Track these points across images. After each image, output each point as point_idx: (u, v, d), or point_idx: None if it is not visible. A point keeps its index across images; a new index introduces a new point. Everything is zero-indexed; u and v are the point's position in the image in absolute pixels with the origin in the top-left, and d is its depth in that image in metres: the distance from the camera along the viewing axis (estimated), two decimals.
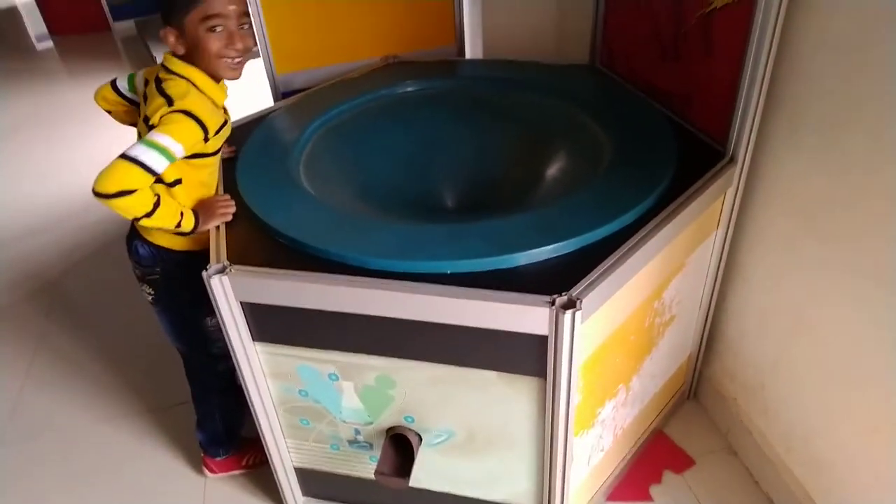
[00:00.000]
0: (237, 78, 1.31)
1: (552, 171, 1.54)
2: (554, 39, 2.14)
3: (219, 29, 1.22)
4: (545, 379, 1.10)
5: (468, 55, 2.11)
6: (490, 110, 1.74)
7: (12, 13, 6.30)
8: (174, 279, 1.42)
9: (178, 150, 1.19)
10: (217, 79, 1.29)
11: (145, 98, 1.28)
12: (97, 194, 1.14)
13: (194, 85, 1.26)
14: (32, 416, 1.92)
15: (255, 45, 1.33)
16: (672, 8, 1.45)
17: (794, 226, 1.32)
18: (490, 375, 1.14)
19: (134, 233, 1.40)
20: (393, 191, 1.53)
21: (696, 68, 1.42)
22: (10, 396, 1.98)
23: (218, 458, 1.69)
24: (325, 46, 1.96)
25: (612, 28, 1.76)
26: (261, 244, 1.22)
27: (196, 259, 1.33)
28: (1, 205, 3.05)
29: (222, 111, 1.33)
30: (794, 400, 1.41)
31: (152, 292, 1.45)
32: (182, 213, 1.27)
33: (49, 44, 5.38)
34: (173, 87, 1.24)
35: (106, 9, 5.19)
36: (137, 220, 1.22)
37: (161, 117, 1.20)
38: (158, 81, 1.26)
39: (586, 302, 1.01)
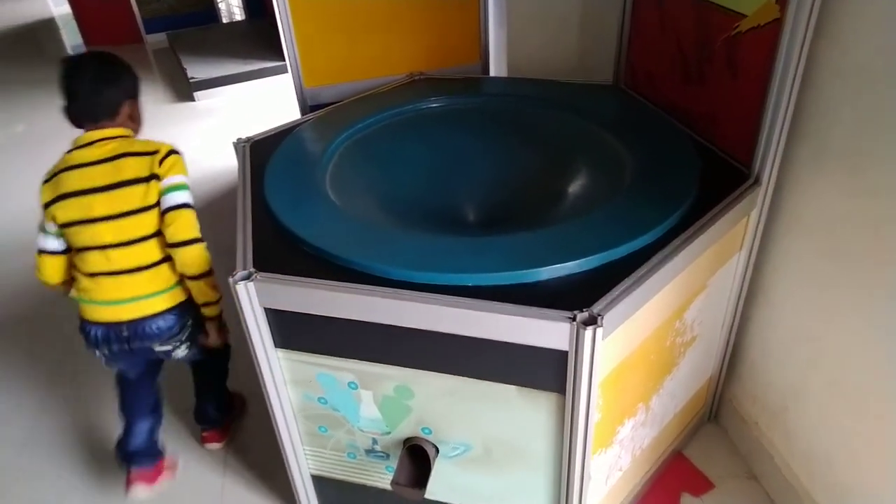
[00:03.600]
0: None
1: (574, 188, 1.55)
2: (577, 59, 2.16)
3: None
4: (564, 395, 1.10)
5: (492, 73, 2.14)
6: (513, 127, 1.76)
7: (50, 24, 6.49)
8: (197, 315, 1.49)
9: (187, 182, 1.41)
10: None
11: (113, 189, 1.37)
12: (181, 244, 1.37)
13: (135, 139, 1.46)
14: (60, 415, 1.95)
15: None
16: (697, 30, 1.46)
17: (818, 249, 1.32)
18: (509, 390, 1.14)
19: (140, 322, 1.40)
20: (416, 204, 1.55)
21: (720, 90, 1.43)
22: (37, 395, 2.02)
23: (220, 427, 1.77)
24: (353, 62, 2.00)
25: (636, 49, 1.77)
26: (285, 252, 1.24)
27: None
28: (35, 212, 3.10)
29: None
30: (818, 424, 1.39)
31: (188, 344, 1.52)
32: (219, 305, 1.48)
33: None
34: (131, 145, 1.40)
35: (139, 21, 5.32)
36: (203, 276, 1.40)
37: (162, 164, 1.37)
38: (93, 161, 1.37)
39: (608, 319, 1.02)
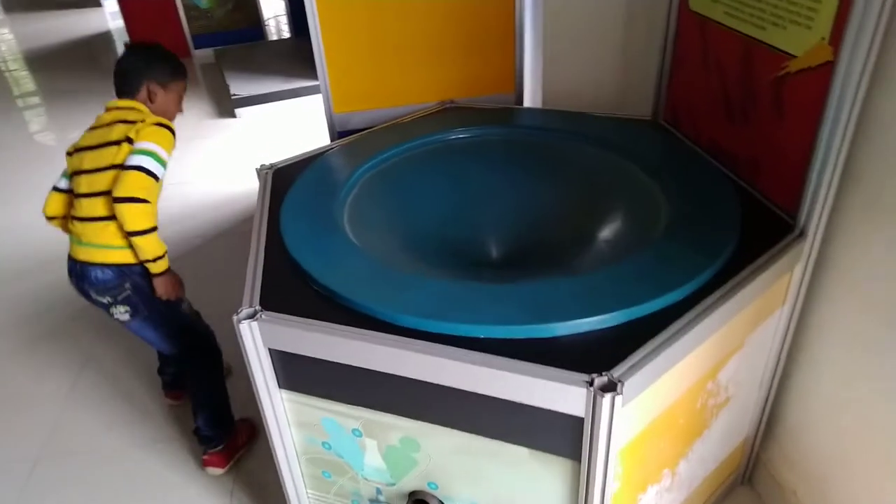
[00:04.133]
0: None
1: (604, 231, 1.46)
2: (616, 92, 2.08)
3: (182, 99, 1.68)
4: (580, 462, 1.01)
5: (526, 103, 2.07)
6: (544, 162, 1.68)
7: (106, 37, 6.72)
8: (142, 287, 1.56)
9: (164, 154, 1.48)
10: None
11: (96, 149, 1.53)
12: (118, 199, 1.42)
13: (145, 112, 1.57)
14: (70, 435, 1.94)
15: None
16: (742, 68, 1.37)
17: (868, 308, 1.20)
18: (521, 451, 1.06)
19: (86, 266, 1.53)
20: (435, 239, 1.49)
21: (766, 132, 1.33)
22: (51, 415, 2.02)
23: (219, 449, 1.74)
24: (384, 88, 1.97)
25: (677, 84, 1.69)
26: (294, 289, 1.19)
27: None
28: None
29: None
30: (862, 499, 1.27)
31: (128, 309, 1.58)
32: (164, 252, 1.53)
33: None
34: (128, 114, 1.54)
35: (188, 37, 5.43)
36: (137, 233, 1.45)
37: (139, 131, 1.47)
38: (101, 124, 1.55)
39: (629, 384, 0.93)
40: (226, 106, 4.45)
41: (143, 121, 1.50)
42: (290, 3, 5.55)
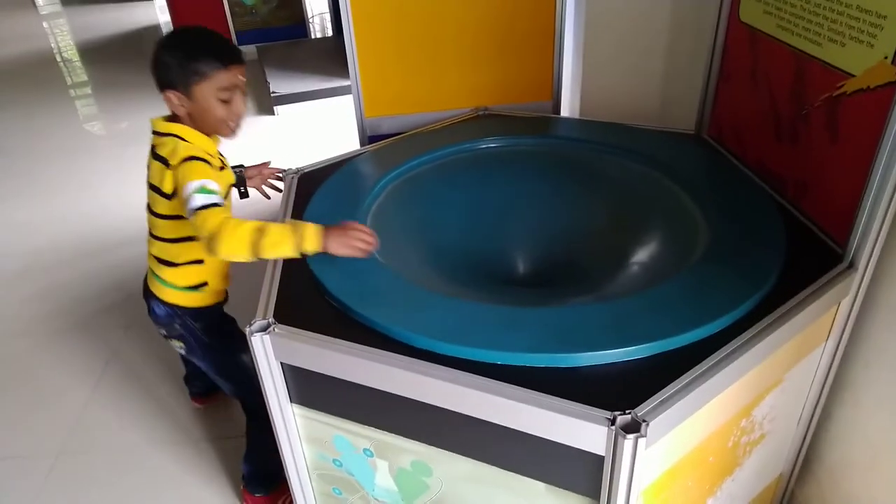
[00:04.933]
0: (233, 138, 1.40)
1: (639, 252, 1.39)
2: (658, 103, 1.99)
3: (228, 97, 1.32)
4: (598, 500, 0.95)
5: (564, 113, 2.00)
6: (579, 175, 1.62)
7: (155, 31, 6.85)
8: (195, 330, 1.47)
9: (210, 184, 1.25)
10: (210, 135, 1.38)
11: (148, 167, 1.36)
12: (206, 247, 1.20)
13: (181, 139, 1.32)
14: (92, 431, 1.95)
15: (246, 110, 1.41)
16: (794, 84, 1.29)
17: None
18: (537, 486, 1.01)
19: (149, 295, 1.47)
20: (461, 252, 1.44)
21: (816, 155, 1.24)
22: (75, 408, 2.03)
23: (257, 496, 1.65)
24: (416, 93, 1.92)
25: (723, 98, 1.60)
26: (309, 302, 1.16)
27: (207, 311, 1.48)
28: (104, 212, 3.21)
29: (217, 159, 1.39)
30: None
31: (182, 346, 1.50)
32: (302, 234, 1.17)
33: None
34: (162, 147, 1.32)
35: (232, 33, 5.49)
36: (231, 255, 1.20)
37: (164, 181, 1.30)
38: (152, 149, 1.35)
39: (654, 424, 0.87)
40: (265, 103, 4.48)
41: (170, 165, 1.28)
42: (334, 1, 5.57)
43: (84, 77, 5.73)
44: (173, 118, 1.35)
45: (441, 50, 1.88)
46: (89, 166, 3.75)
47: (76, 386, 2.12)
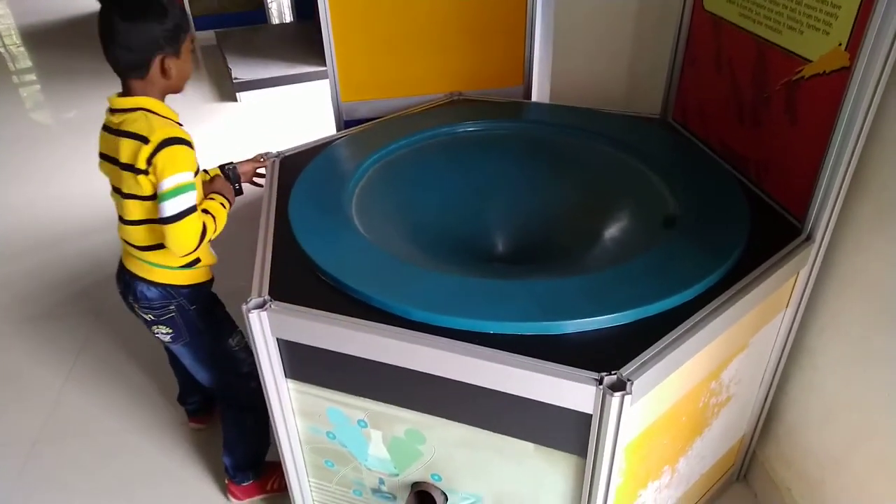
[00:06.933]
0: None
1: (612, 229, 1.47)
2: (625, 89, 2.08)
3: (193, 46, 1.27)
4: (585, 458, 1.02)
5: (535, 98, 2.07)
6: (552, 157, 1.68)
7: None
8: (189, 312, 1.43)
9: (186, 177, 1.24)
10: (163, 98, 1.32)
11: (113, 149, 1.28)
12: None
13: (152, 112, 1.26)
14: (68, 419, 1.94)
15: None
16: (755, 70, 1.37)
17: (871, 316, 1.21)
18: (526, 446, 1.07)
19: (133, 278, 1.40)
20: (443, 231, 1.49)
21: (776, 136, 1.33)
22: (50, 395, 2.01)
23: (244, 484, 1.66)
24: (392, 78, 1.96)
25: (687, 83, 1.69)
26: (303, 280, 1.19)
27: (202, 287, 1.47)
28: (72, 199, 3.14)
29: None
30: (855, 499, 1.29)
31: (170, 331, 1.45)
32: (222, 204, 1.39)
33: None
34: (132, 124, 1.24)
35: (189, 17, 5.38)
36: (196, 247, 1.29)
37: (147, 159, 1.22)
38: (116, 127, 1.26)
39: (638, 384, 0.94)
40: (227, 89, 4.42)
41: (148, 140, 1.21)
42: None
43: (28, 63, 5.54)
44: (128, 93, 1.27)
45: (416, 36, 1.92)
46: (41, 155, 3.65)
47: (50, 373, 2.10)
